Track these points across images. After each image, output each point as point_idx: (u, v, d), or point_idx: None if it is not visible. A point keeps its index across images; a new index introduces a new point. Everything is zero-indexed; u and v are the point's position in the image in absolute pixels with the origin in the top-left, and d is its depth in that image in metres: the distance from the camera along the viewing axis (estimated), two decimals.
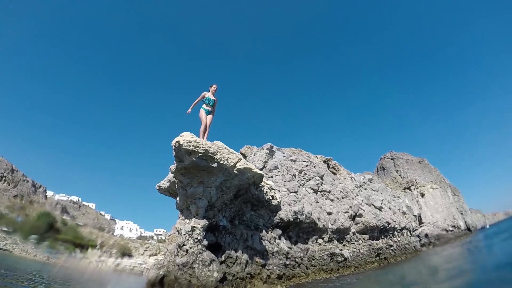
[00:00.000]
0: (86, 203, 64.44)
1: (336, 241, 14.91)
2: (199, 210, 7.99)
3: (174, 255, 7.67)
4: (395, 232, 20.74)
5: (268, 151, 14.79)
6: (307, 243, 12.97)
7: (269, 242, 10.55)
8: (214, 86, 8.79)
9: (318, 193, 15.58)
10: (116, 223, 68.53)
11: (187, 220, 7.99)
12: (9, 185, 44.94)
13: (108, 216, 69.07)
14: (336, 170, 19.64)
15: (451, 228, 28.30)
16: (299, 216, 12.42)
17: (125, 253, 40.80)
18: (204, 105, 8.52)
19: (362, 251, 15.87)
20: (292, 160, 15.63)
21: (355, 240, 16.35)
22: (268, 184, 10.56)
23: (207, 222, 7.94)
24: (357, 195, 18.37)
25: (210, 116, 8.55)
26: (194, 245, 7.51)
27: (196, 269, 7.25)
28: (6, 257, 23.72)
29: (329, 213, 14.96)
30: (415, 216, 26.18)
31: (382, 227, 18.48)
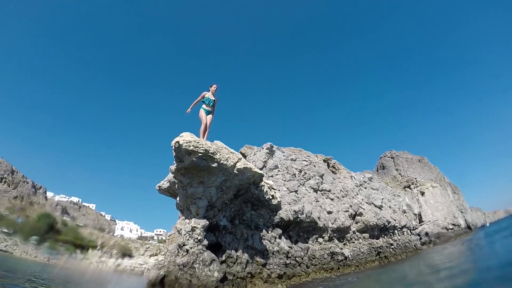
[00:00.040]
0: (86, 204, 64.47)
1: (337, 240, 14.91)
2: (199, 210, 7.99)
3: (175, 255, 7.67)
4: (396, 231, 20.75)
5: (268, 151, 14.79)
6: (307, 242, 12.97)
7: (270, 241, 10.55)
8: (214, 86, 8.77)
9: (318, 192, 15.58)
10: (116, 224, 68.57)
11: (187, 220, 7.98)
12: (9, 186, 44.92)
13: (108, 217, 69.11)
14: (336, 169, 19.64)
15: (451, 227, 28.33)
16: (299, 216, 12.41)
17: (126, 253, 40.82)
18: (203, 105, 8.51)
19: (362, 250, 15.87)
20: (292, 159, 15.62)
21: (356, 239, 16.35)
22: (268, 184, 10.55)
23: (207, 222, 7.93)
24: (357, 194, 18.36)
25: (210, 116, 8.53)
26: (195, 245, 7.50)
27: (196, 269, 7.24)
28: (6, 259, 23.72)
29: (329, 212, 14.96)
30: (415, 214, 26.21)
31: (382, 226, 18.49)
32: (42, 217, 36.79)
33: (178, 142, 7.25)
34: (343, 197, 16.95)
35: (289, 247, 11.42)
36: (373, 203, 19.02)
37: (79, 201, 63.48)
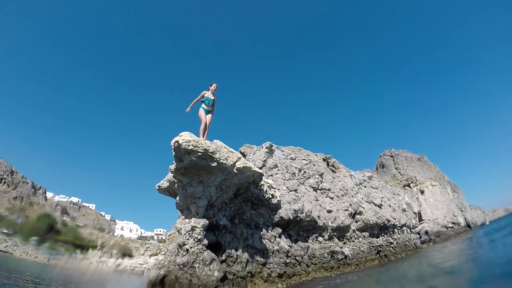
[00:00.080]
0: (86, 204, 64.49)
1: (336, 239, 14.92)
2: (199, 209, 7.98)
3: (175, 254, 7.66)
4: (395, 230, 20.78)
5: (267, 150, 14.79)
6: (307, 241, 12.98)
7: (270, 240, 10.55)
8: (214, 85, 8.74)
9: (318, 191, 15.59)
10: (116, 224, 68.58)
11: (187, 220, 7.98)
12: (8, 187, 44.91)
13: (108, 217, 69.15)
14: (335, 168, 19.65)
15: (451, 225, 28.36)
16: (299, 215, 12.42)
17: (126, 253, 40.88)
18: (203, 105, 8.48)
19: (362, 248, 15.89)
20: (291, 158, 15.62)
21: (355, 238, 16.37)
22: (268, 183, 10.55)
23: (207, 222, 7.93)
24: (357, 193, 18.38)
25: (209, 115, 8.51)
26: (195, 245, 7.51)
27: (196, 268, 7.24)
28: (6, 259, 23.73)
29: (329, 211, 14.97)
30: (415, 213, 26.24)
31: (382, 225, 18.51)
32: (42, 218, 36.82)
33: (177, 141, 7.24)
34: (342, 196, 16.96)
35: (289, 246, 11.43)
36: (372, 202, 19.04)
37: (79, 201, 63.48)
